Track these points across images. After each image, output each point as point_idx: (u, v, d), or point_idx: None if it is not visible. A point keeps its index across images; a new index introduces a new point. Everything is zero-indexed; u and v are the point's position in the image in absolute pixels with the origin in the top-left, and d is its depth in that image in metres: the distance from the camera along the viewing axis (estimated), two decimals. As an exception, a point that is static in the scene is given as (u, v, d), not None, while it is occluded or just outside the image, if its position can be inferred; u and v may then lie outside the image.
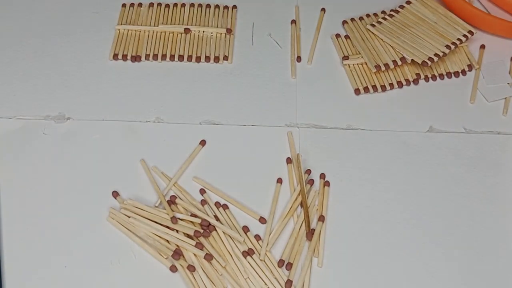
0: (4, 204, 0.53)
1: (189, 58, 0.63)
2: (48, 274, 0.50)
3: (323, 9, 0.68)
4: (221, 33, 0.64)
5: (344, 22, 0.67)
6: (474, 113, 0.61)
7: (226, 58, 0.63)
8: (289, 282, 0.49)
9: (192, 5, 0.67)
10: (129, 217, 0.52)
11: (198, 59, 0.63)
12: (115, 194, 0.53)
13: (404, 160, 0.57)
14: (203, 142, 0.57)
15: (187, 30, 0.64)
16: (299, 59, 0.64)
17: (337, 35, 0.66)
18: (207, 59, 0.63)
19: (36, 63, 0.62)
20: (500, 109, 0.61)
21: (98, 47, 0.64)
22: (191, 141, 0.57)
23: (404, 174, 0.56)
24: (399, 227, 0.53)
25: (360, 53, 0.64)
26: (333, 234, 0.53)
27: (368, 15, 0.67)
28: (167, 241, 0.51)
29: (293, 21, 0.66)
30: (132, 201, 0.53)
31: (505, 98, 0.62)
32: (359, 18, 0.67)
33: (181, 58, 0.63)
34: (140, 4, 0.66)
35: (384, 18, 0.66)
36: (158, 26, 0.64)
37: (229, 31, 0.64)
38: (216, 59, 0.63)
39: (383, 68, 0.62)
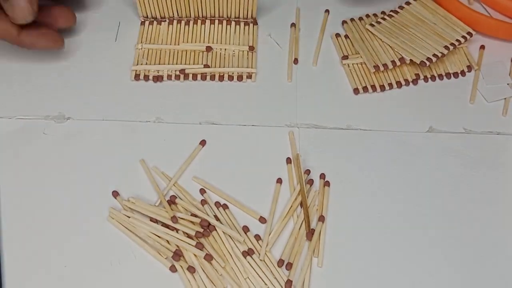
0: (4, 204, 0.53)
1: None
2: (48, 274, 0.50)
3: (327, 11, 0.68)
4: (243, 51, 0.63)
5: (344, 22, 0.67)
6: (474, 114, 0.61)
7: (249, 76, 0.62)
8: (289, 282, 0.49)
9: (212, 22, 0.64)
10: (129, 217, 0.52)
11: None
12: (115, 194, 0.53)
13: (404, 160, 0.57)
14: (203, 142, 0.57)
15: (208, 48, 0.63)
16: (296, 61, 0.63)
17: (337, 35, 0.66)
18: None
19: (36, 62, 0.62)
20: (500, 109, 0.61)
21: (100, 47, 0.64)
22: (191, 141, 0.57)
23: (404, 174, 0.56)
24: (399, 227, 0.53)
25: (359, 53, 0.64)
26: (333, 234, 0.53)
27: (367, 16, 0.67)
28: (167, 241, 0.51)
29: (293, 23, 0.66)
30: (133, 199, 0.53)
31: (505, 98, 0.62)
32: (359, 19, 0.67)
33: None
34: (159, 22, 0.65)
35: (384, 19, 0.66)
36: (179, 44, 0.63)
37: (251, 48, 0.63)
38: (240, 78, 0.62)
39: (382, 68, 0.62)
